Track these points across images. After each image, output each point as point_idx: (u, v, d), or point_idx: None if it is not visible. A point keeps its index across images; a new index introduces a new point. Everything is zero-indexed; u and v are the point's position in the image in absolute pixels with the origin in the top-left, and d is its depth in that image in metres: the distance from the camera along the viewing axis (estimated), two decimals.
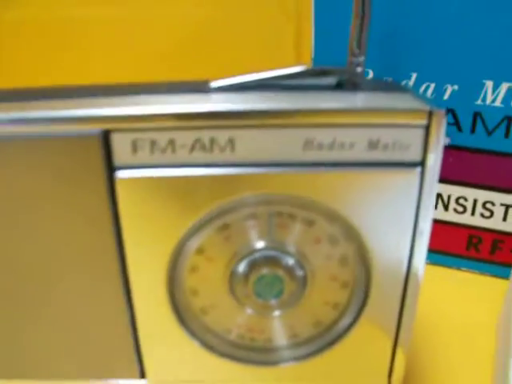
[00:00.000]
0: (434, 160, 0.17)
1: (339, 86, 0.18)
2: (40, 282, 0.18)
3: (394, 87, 0.19)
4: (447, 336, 0.27)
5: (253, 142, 0.16)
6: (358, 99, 0.17)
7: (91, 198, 0.17)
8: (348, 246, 0.18)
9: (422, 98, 0.18)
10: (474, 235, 0.30)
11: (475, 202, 0.29)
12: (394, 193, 0.17)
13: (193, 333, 0.19)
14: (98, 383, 0.21)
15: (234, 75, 0.18)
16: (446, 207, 0.30)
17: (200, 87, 0.18)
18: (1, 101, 0.17)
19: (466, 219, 0.30)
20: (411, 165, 0.17)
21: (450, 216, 0.30)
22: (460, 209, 0.30)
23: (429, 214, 0.18)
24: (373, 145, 0.17)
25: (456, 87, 0.27)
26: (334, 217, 0.18)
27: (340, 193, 0.17)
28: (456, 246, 0.31)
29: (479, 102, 0.27)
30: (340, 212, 0.17)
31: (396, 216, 0.18)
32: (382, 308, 0.19)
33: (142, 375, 0.21)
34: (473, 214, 0.29)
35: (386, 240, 0.18)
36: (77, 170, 0.17)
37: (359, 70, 0.18)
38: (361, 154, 0.17)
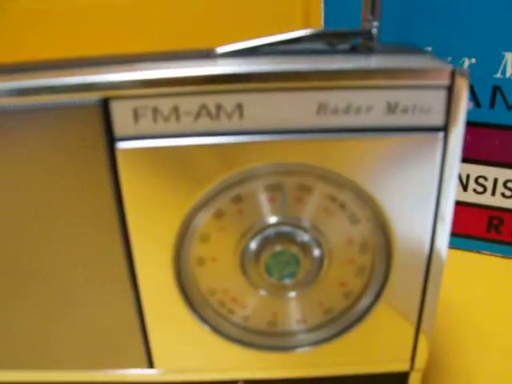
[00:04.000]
0: (459, 124, 0.16)
1: (353, 51, 0.17)
2: (42, 265, 0.17)
3: (412, 49, 0.18)
4: (470, 321, 0.26)
5: (262, 108, 0.15)
6: (374, 61, 0.16)
7: (92, 170, 0.16)
8: (368, 224, 0.17)
9: (443, 59, 0.17)
10: (494, 216, 0.29)
11: (496, 181, 0.28)
12: (415, 161, 0.16)
13: (202, 317, 0.18)
14: (105, 373, 0.20)
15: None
16: (464, 187, 0.28)
17: (206, 54, 0.17)
18: (1, 73, 0.16)
19: (486, 200, 0.29)
20: (433, 130, 0.16)
21: (470, 197, 0.29)
22: (480, 189, 0.28)
23: (452, 185, 0.17)
24: (391, 108, 0.16)
25: (474, 60, 0.26)
26: (352, 189, 0.16)
27: (357, 161, 0.16)
28: (476, 228, 0.30)
29: (498, 75, 0.25)
30: (358, 183, 0.16)
31: (418, 188, 0.16)
32: (403, 292, 0.18)
33: (151, 364, 0.20)
34: (493, 194, 0.28)
35: (407, 216, 0.17)
36: (77, 142, 0.16)
37: (374, 31, 0.17)
38: (379, 118, 0.16)
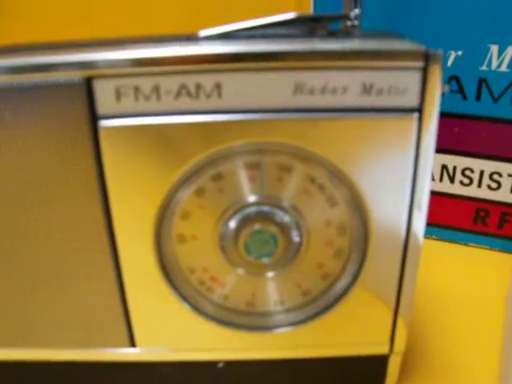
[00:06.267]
0: (434, 105, 0.16)
1: (330, 36, 0.18)
2: (23, 238, 0.18)
3: (390, 35, 0.18)
4: (456, 311, 0.26)
5: (240, 87, 0.16)
6: (351, 43, 0.17)
7: (75, 148, 0.16)
8: (346, 206, 0.17)
9: (418, 43, 0.17)
10: (481, 208, 0.29)
11: (482, 173, 0.28)
12: (390, 142, 0.16)
13: (182, 295, 0.19)
14: (87, 352, 0.20)
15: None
16: (451, 179, 0.29)
17: (188, 37, 0.17)
18: None
19: (472, 192, 0.29)
20: (408, 111, 0.16)
21: (456, 189, 0.29)
22: (466, 181, 0.29)
23: (427, 167, 0.17)
24: (367, 89, 0.16)
25: (460, 53, 0.26)
26: (330, 170, 0.17)
27: (333, 141, 0.16)
28: (463, 220, 0.30)
29: (484, 67, 0.26)
30: (335, 163, 0.17)
31: (394, 169, 0.17)
32: (380, 275, 0.18)
33: (133, 343, 0.20)
34: (479, 185, 0.28)
35: (384, 198, 0.17)
36: (61, 119, 0.16)
37: (352, 15, 0.17)
38: (354, 99, 0.16)
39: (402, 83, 0.16)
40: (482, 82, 0.26)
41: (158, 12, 0.40)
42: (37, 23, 0.41)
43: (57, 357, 0.20)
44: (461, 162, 0.28)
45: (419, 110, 0.16)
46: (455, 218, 0.30)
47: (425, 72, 0.16)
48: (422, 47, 0.16)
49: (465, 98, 0.26)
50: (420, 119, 0.16)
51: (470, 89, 0.26)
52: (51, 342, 0.20)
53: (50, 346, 0.20)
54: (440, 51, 0.16)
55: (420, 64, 0.16)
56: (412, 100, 0.16)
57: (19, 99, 0.16)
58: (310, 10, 0.28)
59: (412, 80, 0.16)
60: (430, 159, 0.17)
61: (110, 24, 0.40)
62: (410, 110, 0.16)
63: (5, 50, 0.17)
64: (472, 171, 0.28)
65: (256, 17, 0.18)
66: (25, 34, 0.41)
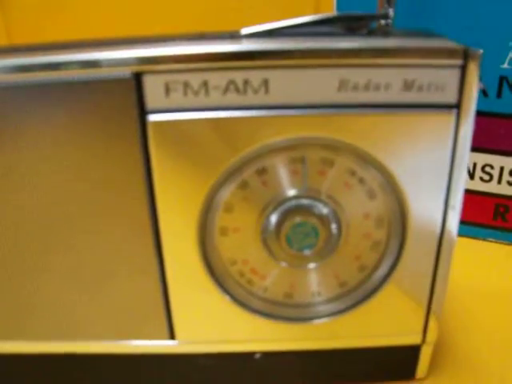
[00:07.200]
0: (471, 101, 0.17)
1: (370, 34, 0.18)
2: (66, 234, 0.18)
3: (427, 33, 0.19)
4: (474, 305, 0.27)
5: (287, 83, 0.16)
6: (392, 41, 0.17)
7: (124, 142, 0.17)
8: (385, 199, 0.18)
9: (456, 41, 0.17)
10: (500, 204, 0.30)
11: (502, 169, 0.29)
12: (429, 136, 0.17)
13: (223, 287, 0.19)
14: (125, 344, 0.20)
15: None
16: (471, 176, 0.29)
17: (230, 35, 0.18)
18: (32, 50, 0.17)
19: (492, 188, 0.29)
20: (447, 107, 0.17)
21: (476, 185, 0.30)
22: (486, 177, 0.29)
23: (464, 162, 0.18)
24: (408, 86, 0.16)
25: (481, 51, 0.26)
26: (371, 164, 0.17)
27: (376, 136, 0.17)
28: (482, 215, 0.30)
29: (505, 65, 0.26)
30: (376, 156, 0.17)
31: (432, 163, 0.17)
32: (415, 268, 0.19)
33: (172, 336, 0.20)
34: (499, 182, 0.29)
35: (422, 191, 0.18)
36: (109, 115, 0.17)
37: (391, 14, 0.18)
38: (396, 95, 0.16)
39: (441, 80, 0.16)
40: (503, 79, 0.27)
41: (171, 13, 0.40)
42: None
43: (96, 349, 0.20)
44: (481, 158, 0.29)
45: (457, 106, 0.17)
46: (475, 213, 0.30)
47: (463, 69, 0.16)
48: (460, 45, 0.16)
49: (486, 95, 0.27)
50: (458, 115, 0.17)
51: (492, 86, 0.27)
52: (92, 334, 0.20)
53: (90, 338, 0.20)
54: (479, 50, 0.16)
55: (459, 62, 0.16)
56: (451, 96, 0.17)
57: (68, 94, 0.16)
58: (330, 9, 0.29)
59: (451, 77, 0.16)
60: (467, 154, 0.17)
61: (116, 24, 0.40)
62: (449, 106, 0.17)
63: (54, 46, 0.18)
64: (492, 167, 0.29)
65: (274, 18, 0.18)
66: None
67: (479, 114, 0.28)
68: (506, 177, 0.29)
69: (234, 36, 0.18)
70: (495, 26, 0.26)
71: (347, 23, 0.18)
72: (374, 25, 0.20)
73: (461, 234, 0.32)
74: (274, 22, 0.18)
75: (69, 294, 0.19)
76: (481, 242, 0.31)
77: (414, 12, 0.26)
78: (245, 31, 0.18)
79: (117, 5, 0.40)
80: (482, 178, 0.29)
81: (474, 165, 0.29)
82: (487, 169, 0.29)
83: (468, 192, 0.30)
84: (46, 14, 0.41)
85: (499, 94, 0.27)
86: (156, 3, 0.40)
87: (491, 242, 0.31)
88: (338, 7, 0.28)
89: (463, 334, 0.25)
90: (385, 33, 0.18)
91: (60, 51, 0.17)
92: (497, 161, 0.29)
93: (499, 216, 0.30)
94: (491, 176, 0.29)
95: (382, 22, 0.20)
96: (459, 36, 0.27)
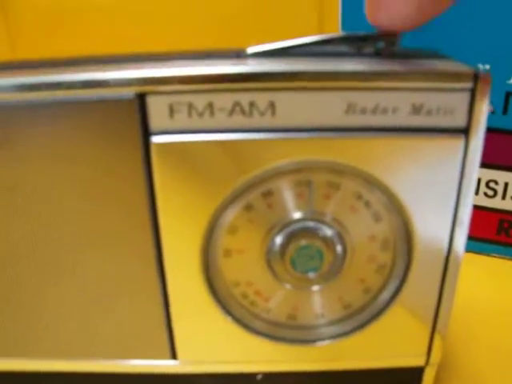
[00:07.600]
0: (480, 125, 0.16)
1: (378, 54, 0.18)
2: (69, 253, 0.18)
3: (433, 54, 0.18)
4: (478, 322, 0.26)
5: (294, 106, 0.16)
6: (400, 64, 0.17)
7: (127, 163, 0.16)
8: (391, 222, 0.18)
9: (464, 63, 0.17)
10: (504, 220, 0.29)
11: (506, 185, 0.28)
12: (437, 160, 0.17)
13: (225, 308, 0.19)
14: (127, 363, 0.20)
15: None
16: (476, 191, 0.29)
17: (236, 54, 0.18)
18: (37, 67, 0.17)
19: (496, 203, 0.29)
20: (456, 131, 0.16)
21: (480, 200, 0.29)
22: (490, 192, 0.29)
23: (471, 185, 0.17)
24: (416, 110, 0.16)
25: (487, 67, 0.26)
26: (377, 187, 0.17)
27: (383, 159, 0.17)
28: (486, 231, 0.30)
29: (511, 81, 0.26)
30: (383, 180, 0.17)
31: (439, 188, 0.17)
32: (420, 291, 0.19)
33: (174, 356, 0.20)
34: (503, 197, 0.29)
35: (428, 215, 0.17)
36: (112, 135, 0.16)
37: (399, 35, 0.18)
38: (404, 119, 0.16)
39: (450, 104, 0.16)
40: (509, 95, 0.26)
41: (176, 29, 0.40)
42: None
43: (97, 368, 0.20)
44: (485, 174, 0.29)
45: (466, 129, 0.16)
46: (478, 228, 0.30)
47: (473, 93, 0.16)
48: (470, 68, 0.16)
49: (492, 111, 0.27)
50: (467, 139, 0.16)
51: (498, 102, 0.27)
52: (94, 353, 0.20)
53: (92, 357, 0.20)
54: (488, 72, 0.16)
55: (469, 85, 0.16)
56: (460, 120, 0.16)
57: (71, 114, 0.16)
58: (335, 25, 0.29)
59: (461, 101, 0.16)
60: (474, 178, 0.17)
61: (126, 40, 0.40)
62: (458, 130, 0.16)
63: (55, 63, 0.17)
64: (496, 183, 0.29)
65: (278, 35, 0.18)
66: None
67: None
68: (510, 192, 0.28)
69: (240, 55, 0.17)
70: (501, 42, 0.25)
71: (354, 43, 0.18)
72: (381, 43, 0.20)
73: (464, 248, 0.32)
74: (279, 39, 0.18)
75: (71, 313, 0.19)
76: (484, 257, 0.31)
77: (420, 29, 0.26)
78: (251, 50, 0.17)
79: (122, 18, 0.40)
80: (486, 194, 0.29)
81: (479, 180, 0.29)
82: (491, 184, 0.29)
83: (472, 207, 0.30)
84: (51, 27, 0.40)
85: (505, 110, 0.27)
86: (161, 19, 0.39)
87: (495, 257, 0.31)
88: (343, 24, 0.28)
89: (465, 353, 0.25)
90: (392, 53, 0.18)
91: (64, 69, 0.17)
92: (501, 177, 0.28)
93: (503, 231, 0.30)
94: (495, 191, 0.29)
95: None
96: (465, 52, 0.27)
